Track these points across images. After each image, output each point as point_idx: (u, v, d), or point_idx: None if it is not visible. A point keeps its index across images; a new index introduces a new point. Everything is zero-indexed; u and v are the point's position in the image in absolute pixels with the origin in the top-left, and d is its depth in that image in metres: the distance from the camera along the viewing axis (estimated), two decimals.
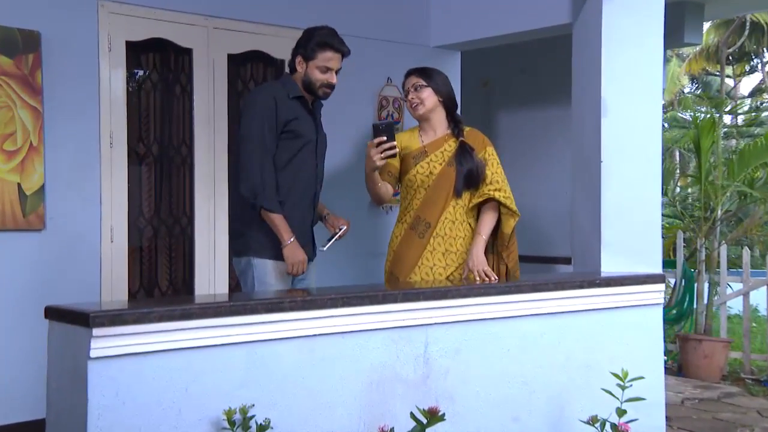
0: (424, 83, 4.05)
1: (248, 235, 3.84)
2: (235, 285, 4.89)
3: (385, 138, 3.78)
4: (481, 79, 7.86)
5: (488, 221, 4.03)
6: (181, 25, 4.90)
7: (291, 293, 3.55)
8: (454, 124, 4.13)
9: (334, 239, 3.96)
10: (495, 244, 4.14)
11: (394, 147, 3.79)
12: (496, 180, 4.03)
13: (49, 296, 3.94)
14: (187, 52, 4.98)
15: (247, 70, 5.33)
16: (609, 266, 4.33)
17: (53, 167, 4.46)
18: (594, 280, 3.96)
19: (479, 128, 7.90)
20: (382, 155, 3.79)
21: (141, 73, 5.08)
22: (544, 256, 6.90)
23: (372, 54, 5.60)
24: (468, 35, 5.80)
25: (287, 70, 4.01)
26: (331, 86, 3.86)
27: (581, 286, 3.88)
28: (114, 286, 4.63)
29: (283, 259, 3.77)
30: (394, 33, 5.76)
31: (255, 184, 3.71)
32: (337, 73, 3.88)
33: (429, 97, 4.06)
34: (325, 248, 3.96)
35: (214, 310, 2.86)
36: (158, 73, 5.07)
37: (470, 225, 4.08)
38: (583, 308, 3.86)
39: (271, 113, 3.75)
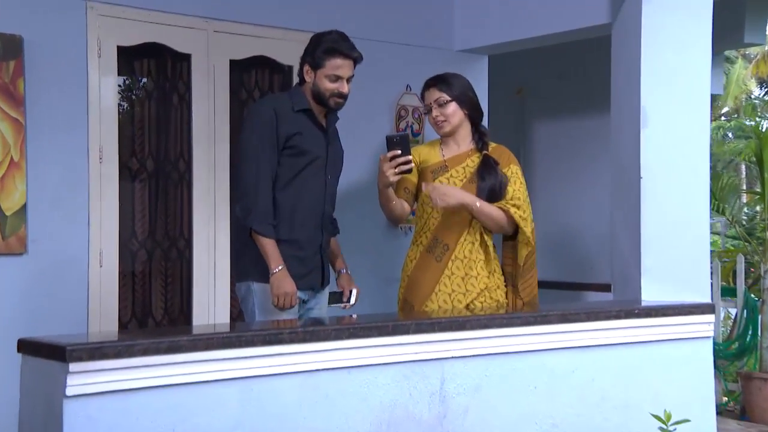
0: (448, 97, 4.08)
1: (248, 258, 3.89)
2: (238, 314, 4.93)
3: (399, 151, 3.82)
4: (517, 88, 7.89)
5: (491, 206, 4.03)
6: (179, 29, 4.95)
7: (292, 323, 3.58)
8: (479, 137, 4.17)
9: (338, 305, 4.02)
10: (514, 275, 4.16)
11: (409, 161, 3.83)
12: (517, 197, 4.07)
13: (31, 328, 3.99)
14: (185, 58, 5.03)
15: (252, 77, 5.38)
16: (651, 294, 4.33)
17: (36, 185, 4.50)
18: (632, 309, 3.96)
19: (512, 139, 7.96)
20: (396, 170, 3.84)
21: (134, 81, 5.14)
22: (584, 282, 6.89)
23: (389, 59, 5.62)
24: (496, 38, 5.82)
25: (297, 80, 4.06)
26: (343, 96, 3.92)
27: (618, 317, 3.88)
28: (103, 315, 4.66)
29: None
30: (414, 36, 5.78)
31: (248, 204, 3.80)
32: (349, 81, 3.94)
33: (455, 113, 4.11)
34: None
35: (204, 342, 2.89)
36: (153, 81, 5.13)
37: (488, 244, 4.10)
38: (620, 341, 3.86)
39: (271, 128, 3.82)
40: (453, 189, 3.99)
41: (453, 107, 4.10)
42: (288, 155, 3.86)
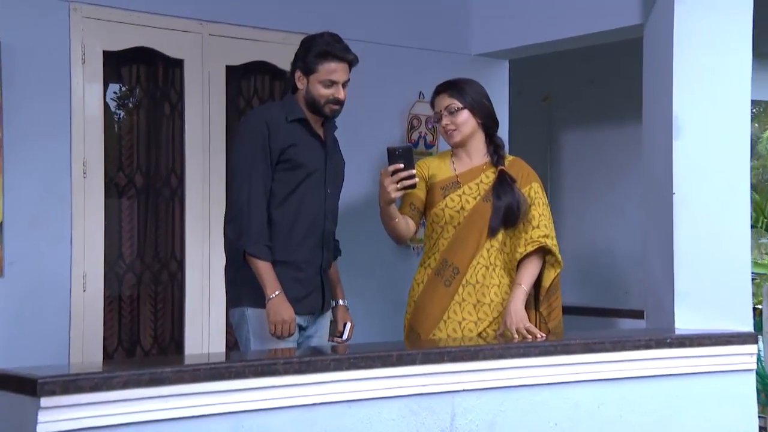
0: (460, 104, 4.09)
1: (242, 282, 3.89)
2: (234, 342, 4.93)
3: (401, 165, 3.82)
4: (543, 95, 7.89)
5: (531, 271, 4.06)
6: (171, 32, 4.99)
7: (287, 352, 3.59)
8: (494, 149, 4.18)
9: (330, 339, 4.07)
10: (536, 299, 4.15)
11: (413, 176, 3.83)
12: (545, 224, 4.07)
13: (7, 358, 3.97)
14: (178, 64, 5.07)
15: (250, 84, 5.41)
16: (685, 322, 4.30)
17: (14, 201, 4.52)
18: (664, 338, 3.94)
19: (538, 150, 7.94)
20: (398, 186, 3.84)
21: (122, 88, 5.17)
22: (616, 308, 6.86)
23: (400, 64, 5.65)
24: (518, 40, 5.83)
25: (290, 88, 4.08)
26: (339, 102, 3.94)
27: (648, 347, 3.86)
28: (86, 344, 4.67)
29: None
30: (427, 39, 5.79)
31: (240, 224, 3.81)
32: (344, 86, 3.95)
33: (467, 122, 4.11)
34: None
35: (190, 374, 2.89)
36: (143, 88, 5.15)
37: (506, 271, 4.10)
38: (651, 374, 3.85)
39: (263, 141, 3.84)
40: (514, 311, 3.97)
41: (465, 115, 4.11)
42: (283, 169, 3.87)
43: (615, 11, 5.33)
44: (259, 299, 3.83)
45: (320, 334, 4.04)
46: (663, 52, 4.53)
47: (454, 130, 4.12)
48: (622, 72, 7.08)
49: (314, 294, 3.96)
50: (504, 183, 4.09)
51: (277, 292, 3.78)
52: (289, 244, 3.88)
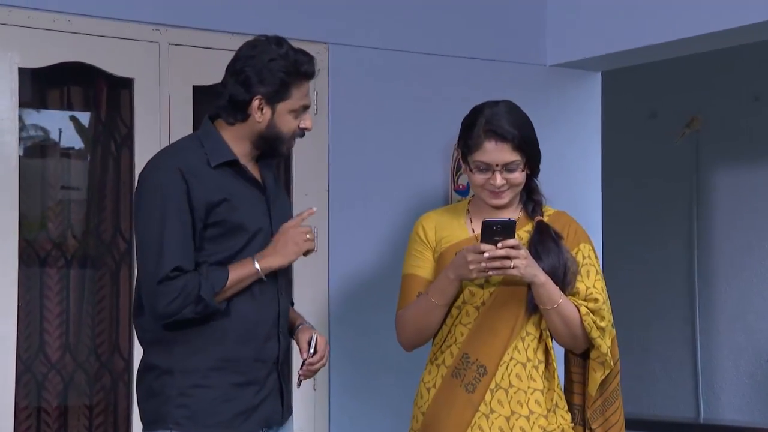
0: (523, 160, 4.14)
1: (166, 389, 3.91)
2: None
3: (498, 244, 3.92)
4: (688, 119, 7.98)
5: (569, 300, 4.11)
6: (116, 41, 5.18)
7: None
8: (527, 195, 4.27)
9: (303, 367, 4.09)
10: (584, 410, 4.24)
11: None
12: (594, 298, 4.13)
13: None
14: (126, 85, 5.25)
15: None
16: None
17: None
18: None
19: (682, 197, 7.99)
20: (481, 267, 3.93)
21: (48, 118, 5.36)
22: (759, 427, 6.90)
23: (441, 80, 5.80)
24: (612, 45, 5.89)
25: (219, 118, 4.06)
26: (303, 134, 4.05)
27: None
28: None
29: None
30: (481, 45, 5.92)
31: (177, 305, 3.80)
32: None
33: (522, 179, 4.18)
34: (298, 386, 4.17)
35: None
36: (76, 119, 5.35)
37: (550, 363, 4.19)
38: None
39: (178, 202, 3.83)
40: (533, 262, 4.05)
41: (524, 173, 4.18)
42: (214, 237, 3.91)
43: (744, 3, 5.40)
44: (189, 421, 3.86)
45: None
46: None
47: (508, 189, 4.18)
48: None
49: (270, 400, 3.97)
50: (546, 238, 4.15)
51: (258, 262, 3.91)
52: (227, 338, 3.92)
